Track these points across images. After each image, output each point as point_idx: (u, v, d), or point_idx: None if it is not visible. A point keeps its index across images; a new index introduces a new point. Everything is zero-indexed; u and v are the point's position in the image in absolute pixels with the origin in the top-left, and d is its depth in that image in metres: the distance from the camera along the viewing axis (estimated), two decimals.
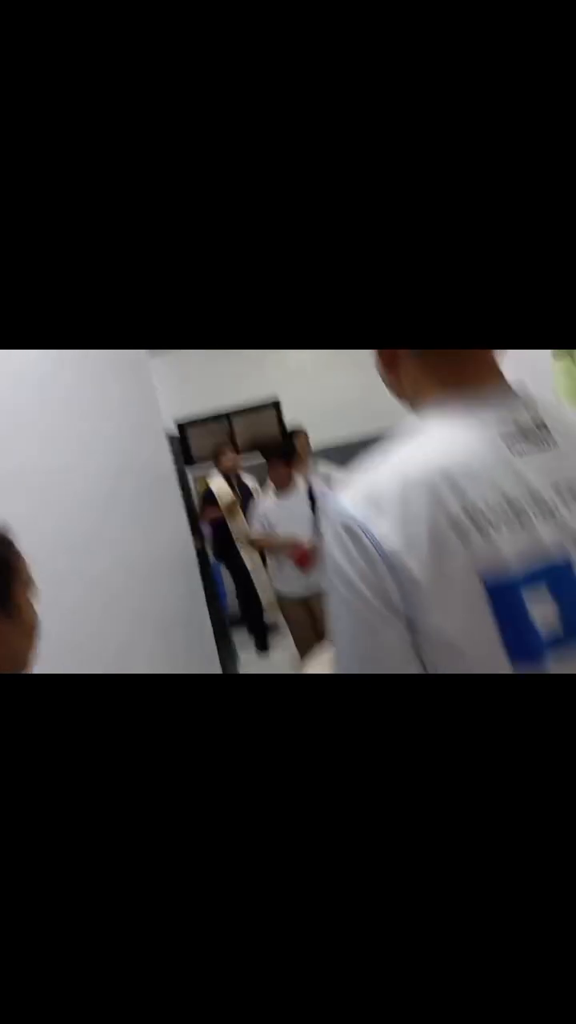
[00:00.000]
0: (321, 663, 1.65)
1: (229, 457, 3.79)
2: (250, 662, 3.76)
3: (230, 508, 3.64)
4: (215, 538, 3.76)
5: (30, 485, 1.38)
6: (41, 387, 1.58)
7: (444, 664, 0.51)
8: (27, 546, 0.70)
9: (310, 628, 2.70)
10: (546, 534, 0.52)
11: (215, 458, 3.82)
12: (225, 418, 4.89)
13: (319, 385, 4.69)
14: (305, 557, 2.57)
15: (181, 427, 4.87)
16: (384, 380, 0.68)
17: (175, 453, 2.85)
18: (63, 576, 1.43)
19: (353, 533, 0.53)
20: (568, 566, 0.52)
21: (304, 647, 2.70)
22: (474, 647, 0.50)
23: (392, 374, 0.66)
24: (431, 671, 0.52)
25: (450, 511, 0.51)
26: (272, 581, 2.92)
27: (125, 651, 1.78)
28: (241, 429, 4.89)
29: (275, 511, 2.74)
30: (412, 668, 0.52)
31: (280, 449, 2.80)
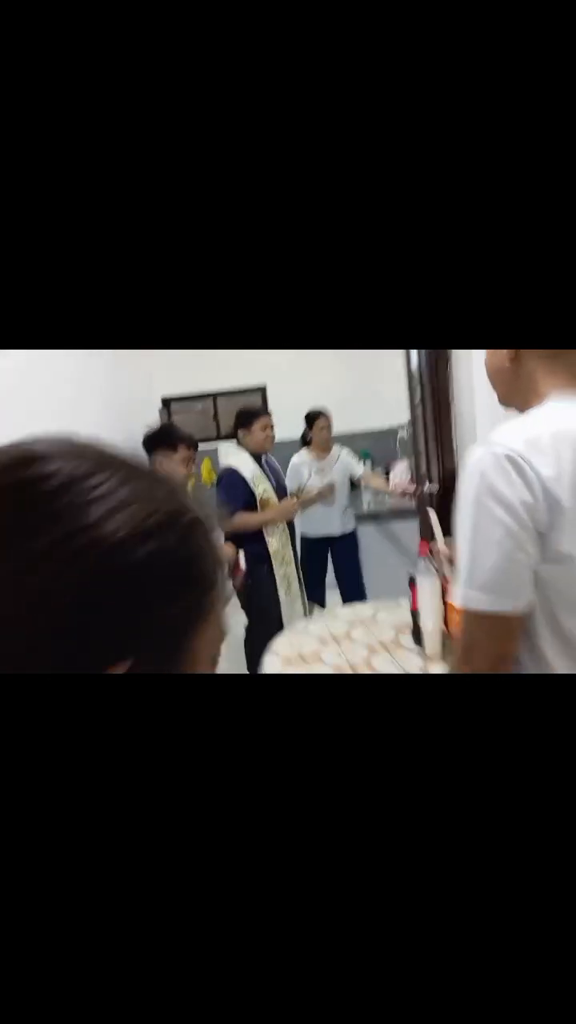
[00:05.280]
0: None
1: (268, 429, 2.61)
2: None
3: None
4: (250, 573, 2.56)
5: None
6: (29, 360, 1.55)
7: (561, 576, 0.73)
8: None
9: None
10: None
11: (245, 426, 2.60)
12: (211, 398, 4.85)
13: (306, 383, 4.68)
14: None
15: (166, 403, 4.83)
16: (494, 375, 0.87)
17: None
18: None
19: (516, 463, 0.72)
20: None
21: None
22: None
23: (509, 371, 0.84)
24: (543, 582, 0.73)
25: None
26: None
27: None
28: (226, 411, 4.86)
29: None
30: (529, 578, 0.73)
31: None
